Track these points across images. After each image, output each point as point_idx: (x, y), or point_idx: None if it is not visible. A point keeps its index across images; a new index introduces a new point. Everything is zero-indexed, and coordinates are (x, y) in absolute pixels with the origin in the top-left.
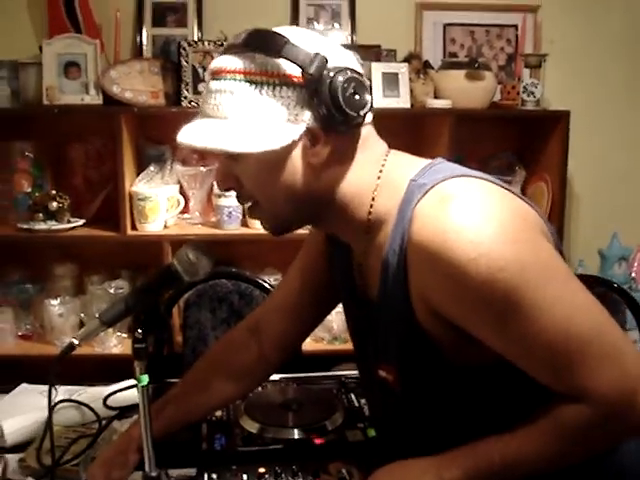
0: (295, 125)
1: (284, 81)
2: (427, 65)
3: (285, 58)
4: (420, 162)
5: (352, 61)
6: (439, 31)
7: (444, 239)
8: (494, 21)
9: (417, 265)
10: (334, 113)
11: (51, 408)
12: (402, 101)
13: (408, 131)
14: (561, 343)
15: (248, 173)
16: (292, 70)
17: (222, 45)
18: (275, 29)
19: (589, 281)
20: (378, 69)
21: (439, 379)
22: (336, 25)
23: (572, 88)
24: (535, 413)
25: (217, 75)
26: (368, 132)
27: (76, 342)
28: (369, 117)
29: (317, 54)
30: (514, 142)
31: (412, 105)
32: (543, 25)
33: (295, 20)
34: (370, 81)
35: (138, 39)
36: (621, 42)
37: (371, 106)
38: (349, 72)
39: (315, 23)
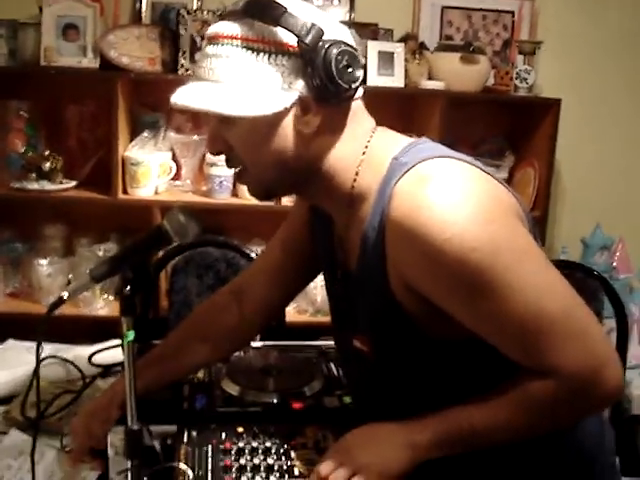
0: (288, 93)
1: (280, 49)
2: (423, 46)
3: (282, 27)
4: (404, 140)
5: (348, 36)
6: (437, 13)
7: (420, 217)
8: (491, 6)
9: (394, 241)
10: (327, 84)
11: (38, 362)
12: (396, 80)
13: (401, 110)
14: (530, 322)
15: (239, 137)
16: (288, 39)
17: (221, 15)
18: None
19: (570, 267)
20: (374, 47)
21: (413, 351)
22: (335, 1)
23: (565, 77)
24: (505, 385)
25: (214, 40)
26: (358, 107)
27: (66, 295)
28: (360, 92)
29: (314, 25)
30: (505, 127)
31: (406, 85)
32: (540, 13)
33: None
34: (366, 59)
35: (137, 5)
36: (616, 34)
37: (363, 81)
38: (344, 45)
39: None
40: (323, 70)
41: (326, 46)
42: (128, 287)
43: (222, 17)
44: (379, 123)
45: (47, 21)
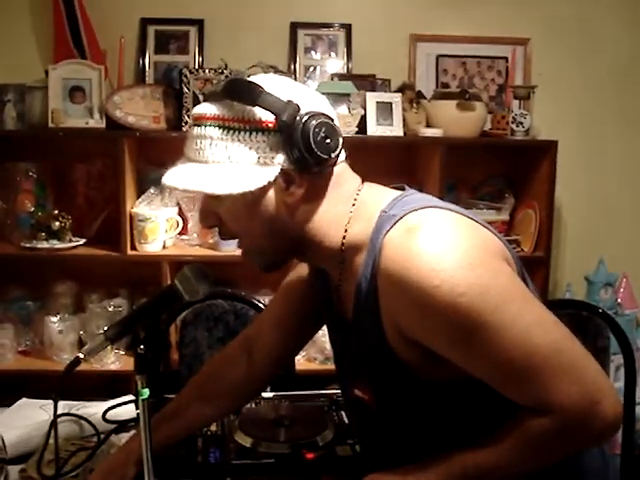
0: (270, 168)
1: (259, 127)
2: (420, 95)
3: (260, 106)
4: (391, 194)
5: (324, 106)
6: (432, 62)
7: (409, 267)
8: (485, 53)
9: (386, 291)
10: (306, 156)
11: (55, 420)
12: (395, 129)
13: (401, 158)
14: (522, 360)
15: (227, 211)
16: (267, 117)
17: (222, 72)
18: (252, 78)
19: (575, 306)
20: (373, 98)
21: (411, 396)
22: (332, 54)
23: (561, 118)
24: (503, 426)
25: (198, 121)
26: (342, 169)
27: (82, 357)
28: (342, 156)
29: (290, 101)
30: (504, 169)
31: (405, 133)
32: (532, 57)
33: (293, 50)
34: (365, 110)
35: (141, 65)
36: (607, 75)
37: (342, 147)
38: (321, 117)
39: (312, 52)
40: (302, 143)
41: (303, 120)
42: (142, 346)
43: (205, 98)
44: (382, 171)
45: (53, 84)
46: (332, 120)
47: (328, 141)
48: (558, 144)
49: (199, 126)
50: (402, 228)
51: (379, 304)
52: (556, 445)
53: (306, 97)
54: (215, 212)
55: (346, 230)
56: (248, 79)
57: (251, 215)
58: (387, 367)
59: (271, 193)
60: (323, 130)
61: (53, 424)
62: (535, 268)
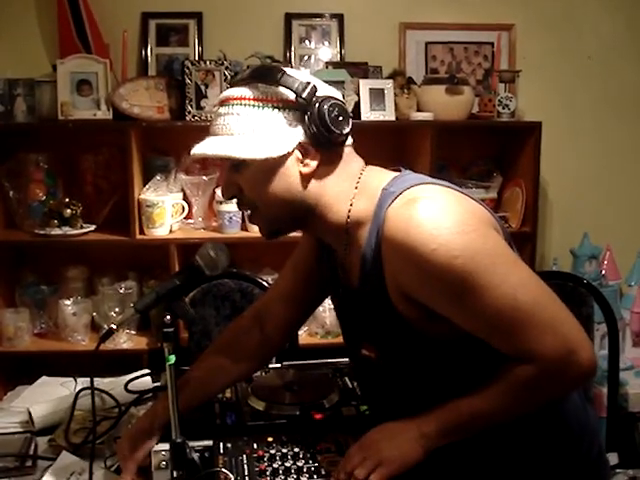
0: (290, 139)
1: (281, 104)
2: (410, 81)
3: (282, 85)
4: (391, 174)
5: (336, 93)
6: (421, 49)
7: (410, 233)
8: (472, 39)
9: (390, 256)
10: (322, 130)
11: (92, 391)
12: (387, 114)
13: (394, 142)
14: (508, 315)
15: (248, 180)
16: (288, 95)
17: (222, 64)
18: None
19: (562, 277)
20: (366, 85)
21: (413, 350)
22: (326, 43)
23: (545, 100)
24: (495, 374)
25: (225, 102)
26: (349, 151)
27: (114, 327)
28: (350, 140)
29: (309, 82)
30: (491, 150)
31: (397, 118)
32: (517, 42)
33: (288, 39)
34: (358, 96)
35: (143, 57)
36: (588, 59)
37: (357, 117)
38: (335, 99)
39: (307, 42)
40: (318, 119)
41: (320, 99)
42: (168, 317)
43: (231, 84)
44: (376, 154)
45: (62, 78)
46: (343, 103)
47: (341, 119)
48: (542, 125)
49: (226, 106)
50: (403, 200)
51: (383, 268)
52: (539, 389)
53: (320, 84)
54: (236, 183)
55: (351, 205)
56: (271, 64)
57: (269, 183)
58: (391, 325)
59: (289, 163)
60: (336, 110)
61: (91, 395)
62: (522, 243)
